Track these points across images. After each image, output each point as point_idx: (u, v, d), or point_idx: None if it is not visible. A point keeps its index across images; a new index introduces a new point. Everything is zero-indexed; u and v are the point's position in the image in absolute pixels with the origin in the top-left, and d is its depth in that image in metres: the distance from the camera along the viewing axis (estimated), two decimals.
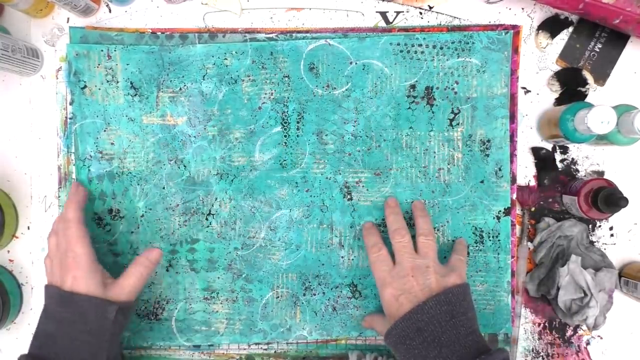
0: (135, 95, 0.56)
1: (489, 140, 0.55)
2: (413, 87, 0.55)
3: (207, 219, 0.56)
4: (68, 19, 0.58)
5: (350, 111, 0.56)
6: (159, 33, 0.56)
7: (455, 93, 0.55)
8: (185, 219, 0.56)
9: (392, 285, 0.48)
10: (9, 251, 0.59)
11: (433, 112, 0.55)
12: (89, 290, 0.46)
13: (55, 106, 0.57)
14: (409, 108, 0.55)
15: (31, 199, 0.58)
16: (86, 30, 0.57)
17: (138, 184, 0.56)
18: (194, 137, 0.56)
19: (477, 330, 0.46)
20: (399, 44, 0.55)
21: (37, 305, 0.59)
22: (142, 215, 0.56)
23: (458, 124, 0.55)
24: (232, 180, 0.56)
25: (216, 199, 0.56)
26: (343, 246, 0.56)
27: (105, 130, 0.56)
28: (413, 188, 0.56)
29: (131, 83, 0.56)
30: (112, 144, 0.56)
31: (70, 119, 0.56)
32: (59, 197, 0.58)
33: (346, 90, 0.55)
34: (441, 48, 0.55)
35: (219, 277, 0.57)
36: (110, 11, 0.58)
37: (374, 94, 0.55)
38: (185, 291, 0.57)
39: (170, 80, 0.56)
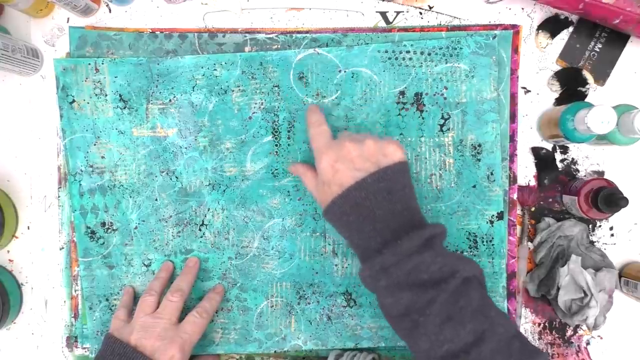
0: (125, 107, 0.56)
1: (480, 145, 0.54)
2: (402, 93, 0.55)
3: (200, 230, 0.56)
4: (68, 18, 0.58)
5: (340, 119, 0.55)
6: (158, 32, 0.56)
7: (445, 98, 0.55)
8: (178, 229, 0.56)
9: (329, 153, 0.46)
10: (9, 251, 0.59)
11: (423, 118, 0.55)
12: None
13: (55, 106, 0.57)
14: (399, 114, 0.55)
15: (31, 199, 0.58)
16: (86, 30, 0.57)
17: (130, 197, 0.56)
18: (185, 148, 0.56)
19: (413, 206, 0.45)
20: (386, 52, 0.55)
21: (37, 305, 0.59)
22: (136, 227, 0.56)
23: (449, 129, 0.55)
24: (224, 191, 0.56)
25: (209, 209, 0.56)
26: (336, 254, 0.56)
27: (95, 144, 0.56)
28: None
29: (120, 96, 0.56)
30: (102, 157, 0.56)
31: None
32: (58, 197, 0.58)
33: (336, 98, 0.55)
34: (429, 54, 0.54)
35: None
36: (110, 11, 0.58)
37: (363, 101, 0.55)
38: None
39: (160, 92, 0.56)
